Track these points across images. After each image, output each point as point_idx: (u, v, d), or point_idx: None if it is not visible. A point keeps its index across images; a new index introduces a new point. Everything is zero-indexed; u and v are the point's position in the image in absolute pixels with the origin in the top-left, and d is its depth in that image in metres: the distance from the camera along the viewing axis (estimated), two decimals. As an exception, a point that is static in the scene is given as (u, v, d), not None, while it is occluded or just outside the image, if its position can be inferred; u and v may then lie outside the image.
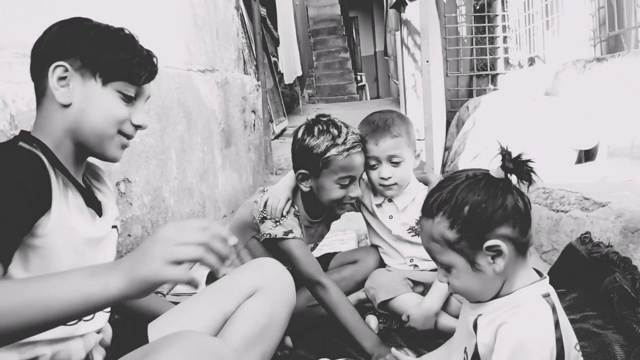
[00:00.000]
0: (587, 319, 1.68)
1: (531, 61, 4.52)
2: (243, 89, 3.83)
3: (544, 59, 4.32)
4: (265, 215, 1.69)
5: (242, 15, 4.84)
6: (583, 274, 1.85)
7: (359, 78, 14.65)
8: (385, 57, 12.41)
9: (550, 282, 1.99)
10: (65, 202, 1.03)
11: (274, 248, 1.69)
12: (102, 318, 1.15)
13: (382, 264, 1.88)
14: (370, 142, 1.71)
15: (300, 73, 7.88)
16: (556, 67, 3.72)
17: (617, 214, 1.90)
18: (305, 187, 1.70)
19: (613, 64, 2.98)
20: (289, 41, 7.34)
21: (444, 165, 4.02)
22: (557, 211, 2.28)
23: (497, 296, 1.09)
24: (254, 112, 4.16)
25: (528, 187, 1.06)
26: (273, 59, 7.56)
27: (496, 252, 1.04)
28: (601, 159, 3.15)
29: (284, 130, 7.27)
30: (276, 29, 7.41)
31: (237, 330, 1.28)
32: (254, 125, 4.16)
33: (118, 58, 1.11)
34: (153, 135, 2.17)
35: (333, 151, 1.62)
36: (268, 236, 1.67)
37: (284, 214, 1.69)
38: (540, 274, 1.12)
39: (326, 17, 14.93)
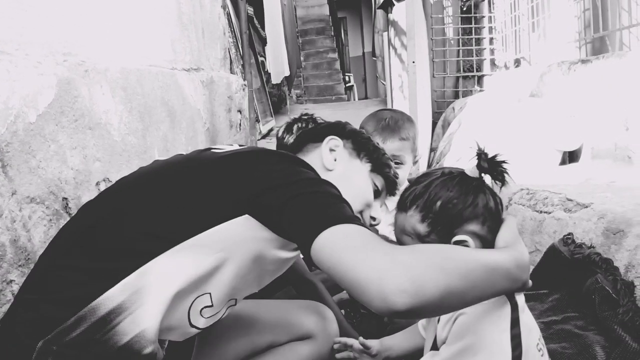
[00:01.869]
0: (569, 320, 1.68)
1: (517, 63, 4.54)
2: (229, 88, 3.80)
3: (529, 60, 4.34)
4: None
5: (229, 14, 4.82)
6: (565, 275, 1.85)
7: (347, 79, 14.65)
8: (374, 58, 12.42)
9: (533, 283, 2.00)
10: None
11: None
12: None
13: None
14: (377, 138, 1.71)
15: (288, 73, 7.85)
16: (541, 69, 3.74)
17: (600, 215, 1.91)
18: None
19: (597, 65, 3.00)
20: (276, 41, 7.31)
21: (429, 165, 4.02)
22: (541, 212, 2.29)
23: None
24: (240, 111, 4.14)
25: (501, 187, 1.08)
26: (260, 58, 7.53)
27: (465, 247, 1.05)
28: (585, 160, 3.17)
29: (271, 130, 7.24)
30: (263, 28, 7.38)
31: None
32: (240, 125, 4.13)
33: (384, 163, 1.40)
34: (135, 134, 2.14)
35: None
36: None
37: None
38: None
39: (315, 17, 14.91)
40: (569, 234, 1.97)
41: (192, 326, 1.05)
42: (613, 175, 2.51)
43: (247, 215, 1.01)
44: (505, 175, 1.07)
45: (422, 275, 0.79)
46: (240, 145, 1.22)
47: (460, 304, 0.87)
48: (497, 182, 1.07)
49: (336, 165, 1.32)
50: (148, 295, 0.97)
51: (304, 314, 1.42)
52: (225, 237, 1.01)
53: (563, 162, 3.28)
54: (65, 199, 1.54)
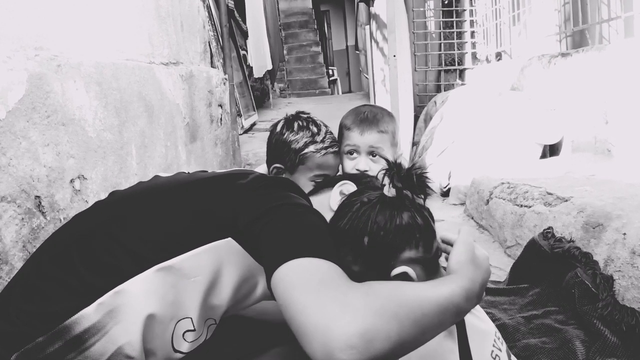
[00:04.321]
0: (549, 314, 1.68)
1: (498, 56, 4.55)
2: (209, 82, 3.76)
3: (510, 54, 4.35)
4: None
5: (209, 7, 4.76)
6: (545, 269, 1.86)
7: (330, 72, 14.62)
8: (357, 52, 12.40)
9: (513, 277, 2.01)
10: None
11: None
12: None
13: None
14: (355, 131, 1.70)
15: (270, 67, 7.80)
16: (522, 62, 3.75)
17: (579, 209, 1.91)
18: None
19: (577, 59, 3.01)
20: (258, 34, 7.25)
21: (411, 160, 4.02)
22: (521, 206, 2.29)
23: None
24: (220, 106, 4.09)
25: (424, 199, 1.01)
26: (242, 52, 7.46)
27: (404, 278, 0.98)
28: (565, 153, 3.19)
29: (253, 124, 7.19)
30: (245, 21, 7.32)
31: None
32: (221, 119, 4.09)
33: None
34: (111, 130, 2.10)
35: (311, 148, 1.62)
36: None
37: None
38: None
39: (297, 10, 14.84)
40: (549, 227, 1.98)
41: (176, 351, 1.03)
42: (593, 169, 2.53)
43: (229, 239, 0.99)
44: (426, 187, 0.99)
45: (373, 326, 0.73)
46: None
47: (409, 351, 0.81)
48: (419, 196, 1.00)
49: None
50: (124, 314, 0.94)
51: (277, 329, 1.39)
52: (204, 260, 0.99)
53: (544, 155, 3.29)
54: (38, 197, 1.51)
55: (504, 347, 1.09)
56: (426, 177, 1.00)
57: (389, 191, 1.00)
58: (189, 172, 1.25)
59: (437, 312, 0.81)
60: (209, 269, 0.99)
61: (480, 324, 1.05)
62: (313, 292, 0.78)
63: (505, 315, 1.73)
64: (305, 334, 0.74)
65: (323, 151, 1.62)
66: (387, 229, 0.97)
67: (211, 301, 1.03)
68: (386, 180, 1.01)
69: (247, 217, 0.97)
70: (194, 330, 1.03)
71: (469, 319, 1.02)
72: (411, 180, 0.98)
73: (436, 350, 1.01)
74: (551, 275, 1.82)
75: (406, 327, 0.76)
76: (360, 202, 1.02)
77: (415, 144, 4.17)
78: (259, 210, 0.96)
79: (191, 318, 1.01)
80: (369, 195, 1.03)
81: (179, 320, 1.00)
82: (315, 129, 1.64)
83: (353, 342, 0.71)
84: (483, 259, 0.95)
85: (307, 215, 0.96)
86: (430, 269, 1.02)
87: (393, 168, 1.00)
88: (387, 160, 1.02)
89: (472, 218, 2.84)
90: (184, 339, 1.02)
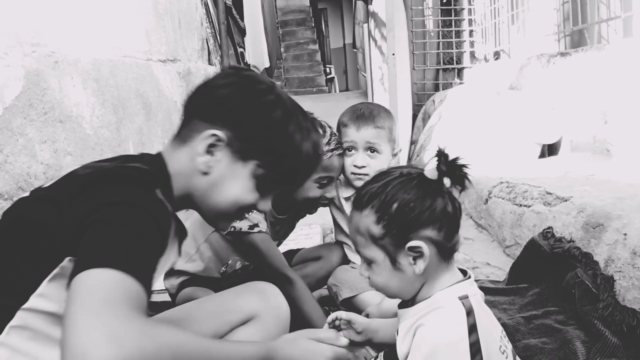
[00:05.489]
0: (549, 314, 1.67)
1: (497, 55, 4.55)
2: (207, 80, 3.75)
3: (509, 53, 4.35)
4: None
5: (206, 4, 4.74)
6: (545, 269, 1.85)
7: (328, 70, 14.60)
8: (354, 50, 12.39)
9: (513, 277, 2.00)
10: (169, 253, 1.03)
11: (238, 242, 1.64)
12: None
13: (345, 261, 1.85)
14: (352, 127, 1.69)
15: (268, 64, 7.78)
16: (521, 62, 3.74)
17: (579, 209, 1.91)
18: None
19: (576, 58, 3.01)
20: (256, 31, 7.23)
21: (409, 159, 4.01)
22: (520, 205, 2.29)
23: (416, 300, 1.08)
24: (218, 103, 4.08)
25: (460, 192, 1.03)
26: (240, 49, 7.44)
27: (418, 254, 1.02)
28: (564, 153, 3.18)
29: (250, 122, 7.17)
30: (242, 19, 7.29)
31: None
32: (219, 117, 4.08)
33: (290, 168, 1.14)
34: (108, 128, 2.08)
35: None
36: (232, 229, 1.62)
37: None
38: (465, 273, 1.10)
39: (295, 8, 14.82)
40: (549, 227, 1.97)
41: None
42: (592, 169, 2.52)
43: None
44: (466, 180, 1.01)
45: None
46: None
47: None
48: (457, 186, 1.02)
49: (213, 168, 1.09)
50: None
51: (241, 297, 1.33)
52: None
53: (542, 155, 3.29)
54: (35, 195, 1.49)
55: (509, 346, 1.09)
56: (468, 172, 1.01)
57: (430, 173, 1.02)
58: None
59: None
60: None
61: (487, 321, 1.04)
62: (91, 312, 0.72)
63: (504, 315, 1.73)
64: (65, 351, 0.70)
65: (329, 154, 1.62)
66: (417, 203, 1.00)
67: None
68: (432, 163, 1.03)
69: (76, 212, 0.88)
70: None
71: (479, 313, 1.02)
72: (456, 169, 1.00)
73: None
74: (551, 276, 1.81)
75: None
76: (400, 172, 1.05)
77: (413, 142, 4.16)
78: (89, 207, 0.88)
79: None
80: (409, 170, 1.05)
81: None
82: (320, 131, 1.63)
83: None
84: None
85: (136, 221, 0.87)
86: (444, 256, 1.05)
87: (442, 154, 1.01)
88: (438, 149, 1.03)
89: (471, 217, 2.83)
90: None
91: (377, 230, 1.03)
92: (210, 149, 1.07)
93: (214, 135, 1.06)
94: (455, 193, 1.04)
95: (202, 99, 1.13)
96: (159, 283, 1.32)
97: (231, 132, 1.07)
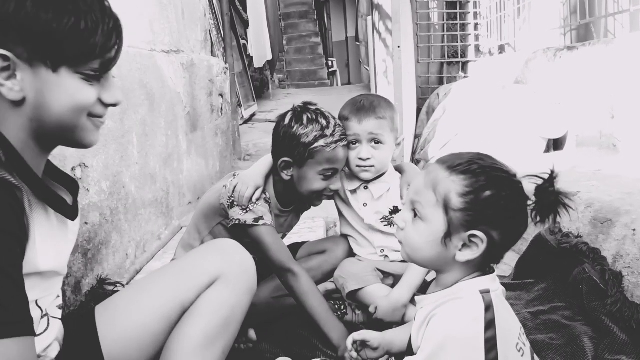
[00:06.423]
0: (556, 310, 1.66)
1: (502, 49, 4.52)
2: (210, 71, 3.72)
3: (514, 46, 4.32)
4: (234, 200, 1.63)
5: (210, -4, 4.70)
6: (552, 264, 1.84)
7: (330, 63, 14.55)
8: (357, 43, 12.33)
9: (519, 272, 1.98)
10: (39, 225, 0.93)
11: (242, 235, 1.63)
12: (56, 324, 1.06)
13: (350, 254, 1.84)
14: (354, 120, 1.67)
15: (270, 57, 7.75)
16: (526, 55, 3.71)
17: (587, 204, 1.89)
18: (286, 175, 1.65)
19: (583, 52, 2.98)
20: (259, 23, 7.19)
21: (413, 152, 3.99)
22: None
23: (438, 285, 1.08)
24: (221, 95, 4.06)
25: (536, 222, 1.02)
26: (242, 41, 7.40)
27: (472, 244, 1.00)
28: (570, 148, 3.16)
29: (253, 115, 7.15)
30: (245, 11, 7.25)
31: (197, 326, 1.20)
32: (222, 109, 4.05)
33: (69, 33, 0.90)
34: (112, 118, 2.06)
35: (321, 142, 1.58)
36: (237, 222, 1.60)
37: (253, 200, 1.63)
38: (489, 268, 1.08)
39: (297, 0, 14.75)
40: (556, 222, 1.96)
41: None
42: (599, 164, 2.50)
43: None
44: (559, 213, 1.01)
45: None
46: None
47: None
48: (549, 218, 1.01)
49: (24, 90, 0.91)
50: None
51: (204, 259, 1.26)
52: None
53: (547, 150, 3.27)
54: (38, 185, 1.47)
55: (527, 344, 1.07)
56: (561, 211, 1.02)
57: (530, 191, 1.02)
58: None
59: None
60: None
61: (506, 317, 1.03)
62: None
63: (511, 310, 1.71)
64: None
65: (333, 145, 1.60)
66: (507, 205, 0.99)
67: None
68: (534, 180, 1.03)
69: None
70: None
71: (498, 308, 1.01)
72: (558, 204, 1.01)
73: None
74: (558, 271, 1.80)
75: None
76: (508, 170, 1.04)
77: (417, 136, 4.13)
78: None
79: None
80: (515, 172, 1.04)
81: None
82: (324, 122, 1.61)
83: None
84: None
85: None
86: (488, 258, 1.04)
87: (551, 179, 1.03)
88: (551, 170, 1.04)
89: (475, 212, 2.81)
90: None
91: (456, 201, 1.00)
92: (3, 73, 0.88)
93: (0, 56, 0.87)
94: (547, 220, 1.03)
95: None
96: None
97: None
